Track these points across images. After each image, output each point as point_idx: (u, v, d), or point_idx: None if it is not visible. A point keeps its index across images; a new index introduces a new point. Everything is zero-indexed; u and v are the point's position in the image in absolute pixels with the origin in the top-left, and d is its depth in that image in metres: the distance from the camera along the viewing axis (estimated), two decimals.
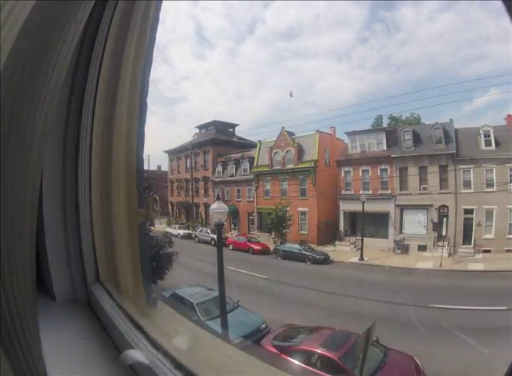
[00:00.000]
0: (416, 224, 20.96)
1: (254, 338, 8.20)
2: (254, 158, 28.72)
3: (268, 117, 63.57)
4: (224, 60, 65.47)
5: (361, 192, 21.31)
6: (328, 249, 21.54)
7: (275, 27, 65.50)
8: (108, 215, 1.47)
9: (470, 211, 19.31)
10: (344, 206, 23.72)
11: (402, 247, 20.46)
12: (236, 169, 30.24)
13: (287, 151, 26.37)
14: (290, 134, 27.06)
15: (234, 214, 28.37)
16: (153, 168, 38.80)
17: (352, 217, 23.43)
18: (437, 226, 19.68)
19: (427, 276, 15.53)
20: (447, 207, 19.94)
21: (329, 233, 23.78)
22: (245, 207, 28.79)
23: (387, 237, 21.59)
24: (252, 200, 28.45)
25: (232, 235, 26.50)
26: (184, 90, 69.69)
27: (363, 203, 19.84)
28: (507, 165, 18.12)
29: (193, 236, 26.63)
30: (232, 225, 29.24)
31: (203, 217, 31.57)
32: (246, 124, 76.12)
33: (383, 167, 22.38)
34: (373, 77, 52.16)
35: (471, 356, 7.47)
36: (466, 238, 19.35)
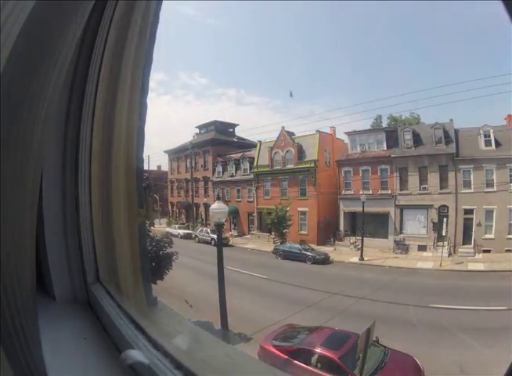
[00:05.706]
0: (416, 224, 20.97)
1: None
2: (254, 158, 28.72)
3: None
4: None
5: (361, 192, 21.28)
6: (328, 249, 21.55)
7: None
8: (108, 214, 1.47)
9: (470, 211, 19.32)
10: (344, 206, 23.72)
11: (402, 247, 20.47)
12: (236, 169, 30.24)
13: (287, 151, 26.37)
14: (290, 134, 27.06)
15: (234, 214, 28.39)
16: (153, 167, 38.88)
17: (352, 217, 23.44)
18: (437, 226, 19.67)
19: (427, 276, 15.53)
20: (447, 207, 19.95)
21: (329, 232, 23.79)
22: (245, 207, 28.79)
23: (387, 237, 21.60)
24: (252, 200, 28.46)
25: (231, 234, 26.51)
26: None
27: (363, 203, 19.84)
28: (507, 165, 18.14)
29: (193, 236, 26.65)
30: (232, 226, 29.26)
31: (203, 217, 31.58)
32: None
33: (383, 167, 22.38)
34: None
35: (471, 355, 7.47)
36: (467, 238, 19.36)
